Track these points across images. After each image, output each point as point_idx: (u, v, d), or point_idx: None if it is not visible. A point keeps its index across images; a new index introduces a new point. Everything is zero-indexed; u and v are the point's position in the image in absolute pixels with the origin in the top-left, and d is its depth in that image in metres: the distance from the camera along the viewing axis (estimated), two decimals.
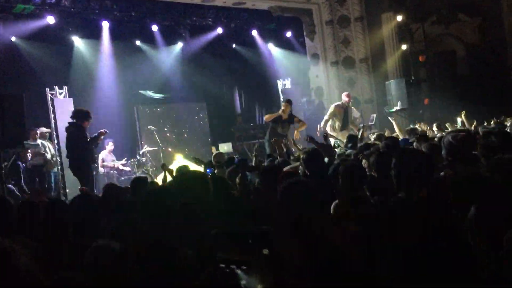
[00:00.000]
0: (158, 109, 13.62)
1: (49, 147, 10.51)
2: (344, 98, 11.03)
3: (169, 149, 12.37)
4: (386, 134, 9.03)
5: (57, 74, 11.69)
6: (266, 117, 10.25)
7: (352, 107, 12.48)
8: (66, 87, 11.10)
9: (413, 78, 14.15)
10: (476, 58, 14.91)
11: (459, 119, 11.11)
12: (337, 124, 10.80)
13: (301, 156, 4.45)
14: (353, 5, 14.05)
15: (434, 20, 14.96)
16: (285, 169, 4.76)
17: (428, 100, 13.83)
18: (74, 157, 7.96)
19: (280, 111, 10.00)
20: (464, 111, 9.28)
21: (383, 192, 3.58)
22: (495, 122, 9.35)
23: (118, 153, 12.08)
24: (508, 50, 14.98)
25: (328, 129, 10.67)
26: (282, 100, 14.07)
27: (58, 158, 10.58)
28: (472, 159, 4.23)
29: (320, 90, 14.89)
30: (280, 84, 14.74)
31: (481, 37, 15.16)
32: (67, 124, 8.28)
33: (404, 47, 14.13)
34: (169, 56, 14.14)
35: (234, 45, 15.07)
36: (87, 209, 4.02)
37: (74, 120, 8.11)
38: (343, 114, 10.84)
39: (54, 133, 10.65)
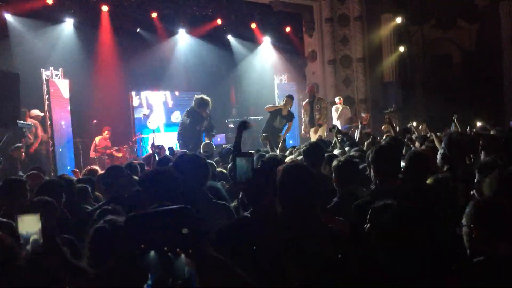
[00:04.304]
0: (153, 97, 13.57)
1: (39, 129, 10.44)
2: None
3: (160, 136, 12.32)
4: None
5: (51, 55, 11.51)
6: (267, 107, 10.28)
7: (346, 106, 12.58)
8: (61, 68, 11.00)
9: (408, 80, 14.25)
10: (471, 64, 15.02)
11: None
12: (303, 120, 11.09)
13: (302, 148, 4.50)
14: (354, 4, 14.06)
15: (433, 24, 15.04)
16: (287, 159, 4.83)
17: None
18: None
19: (282, 105, 10.06)
20: (455, 115, 9.37)
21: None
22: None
23: (112, 139, 12.05)
24: (504, 57, 15.11)
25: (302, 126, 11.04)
26: (277, 94, 14.09)
27: (50, 140, 10.51)
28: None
29: (316, 87, 14.90)
30: (276, 79, 14.74)
31: (477, 43, 15.28)
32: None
33: (401, 49, 14.19)
34: (167, 44, 14.07)
35: (231, 37, 15.00)
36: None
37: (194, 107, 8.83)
38: (309, 109, 11.04)
39: (48, 114, 10.56)
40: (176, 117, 13.58)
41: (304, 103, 11.38)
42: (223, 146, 10.16)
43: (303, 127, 11.37)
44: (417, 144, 5.73)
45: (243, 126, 4.01)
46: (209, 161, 6.28)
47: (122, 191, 3.93)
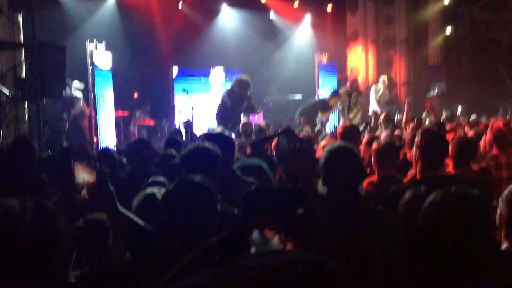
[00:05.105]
0: (193, 72, 13.62)
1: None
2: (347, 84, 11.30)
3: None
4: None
5: (94, 27, 11.65)
6: (323, 116, 10.06)
7: (387, 87, 12.30)
8: (105, 41, 11.14)
9: (454, 64, 13.80)
10: None
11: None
12: (339, 108, 10.89)
13: (338, 130, 4.50)
14: None
15: (483, 5, 14.42)
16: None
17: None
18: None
19: (333, 105, 10.08)
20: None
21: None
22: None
23: (153, 113, 12.27)
24: None
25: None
26: (317, 74, 13.89)
27: (92, 111, 10.74)
28: None
29: (357, 69, 14.63)
30: (316, 58, 14.53)
31: None
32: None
33: (448, 30, 13.71)
34: (209, 20, 14.07)
35: (273, 13, 14.89)
36: None
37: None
38: (347, 101, 10.76)
39: (91, 87, 10.76)
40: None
41: (342, 92, 11.09)
42: (259, 125, 10.10)
43: (341, 117, 11.21)
44: (466, 129, 5.62)
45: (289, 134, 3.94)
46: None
47: (141, 161, 4.21)
